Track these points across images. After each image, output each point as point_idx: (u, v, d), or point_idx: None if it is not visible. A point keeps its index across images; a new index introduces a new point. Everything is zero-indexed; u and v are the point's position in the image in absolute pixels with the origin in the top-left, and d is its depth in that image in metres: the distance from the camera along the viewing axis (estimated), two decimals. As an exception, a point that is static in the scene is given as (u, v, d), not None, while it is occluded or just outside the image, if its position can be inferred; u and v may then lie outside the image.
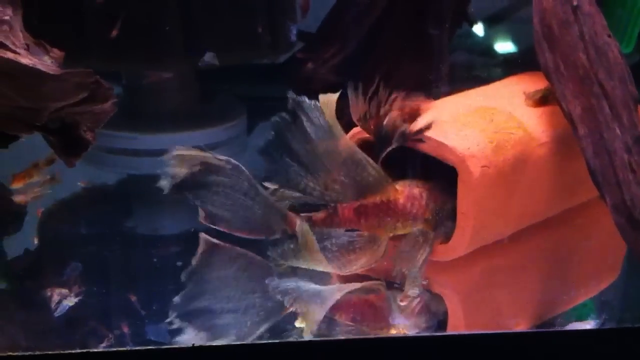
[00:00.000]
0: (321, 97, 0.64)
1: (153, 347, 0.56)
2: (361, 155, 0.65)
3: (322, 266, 0.64)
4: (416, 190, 0.68)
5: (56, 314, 0.61)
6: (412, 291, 0.63)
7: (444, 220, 0.68)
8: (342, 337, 0.59)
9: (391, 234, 0.67)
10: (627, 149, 0.63)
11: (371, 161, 0.66)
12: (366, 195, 0.66)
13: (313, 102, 0.64)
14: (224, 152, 0.68)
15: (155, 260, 0.70)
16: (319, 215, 0.66)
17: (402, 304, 0.62)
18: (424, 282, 0.65)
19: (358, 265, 0.65)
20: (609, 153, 0.64)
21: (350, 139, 0.68)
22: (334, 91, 0.66)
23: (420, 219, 0.67)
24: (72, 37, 0.84)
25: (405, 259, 0.65)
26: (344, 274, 0.65)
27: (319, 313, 0.61)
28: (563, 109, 0.68)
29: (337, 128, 0.65)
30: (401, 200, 0.67)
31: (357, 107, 0.67)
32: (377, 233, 0.66)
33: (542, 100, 0.74)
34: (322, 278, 0.65)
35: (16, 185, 0.81)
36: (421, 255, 0.65)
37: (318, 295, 0.64)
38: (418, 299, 0.63)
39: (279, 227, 0.65)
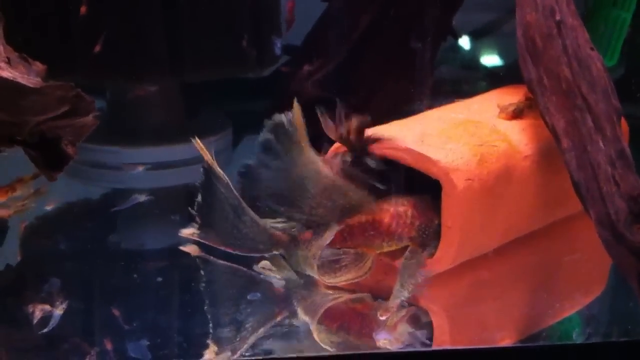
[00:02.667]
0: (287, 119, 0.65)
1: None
2: (340, 181, 0.65)
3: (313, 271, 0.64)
4: (401, 209, 0.67)
5: (39, 331, 0.61)
6: (392, 303, 0.63)
7: (430, 236, 0.67)
8: (325, 354, 0.59)
9: (377, 252, 0.67)
10: (611, 162, 0.63)
11: (351, 186, 0.66)
12: (351, 215, 0.66)
13: (288, 127, 0.65)
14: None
15: (138, 275, 0.70)
16: (305, 235, 0.66)
17: (382, 318, 0.62)
18: (405, 298, 0.64)
19: (343, 279, 0.65)
20: (592, 166, 0.64)
21: (333, 156, 0.68)
22: (318, 105, 0.66)
23: (405, 237, 0.67)
24: (57, 51, 0.84)
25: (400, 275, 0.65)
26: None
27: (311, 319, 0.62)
28: (546, 122, 0.68)
29: (312, 154, 0.65)
30: (386, 220, 0.66)
31: (327, 125, 0.67)
32: (363, 251, 0.66)
33: (515, 113, 0.74)
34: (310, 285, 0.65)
35: None
36: (411, 273, 0.65)
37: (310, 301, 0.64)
38: (399, 313, 0.62)
39: (265, 246, 0.65)
